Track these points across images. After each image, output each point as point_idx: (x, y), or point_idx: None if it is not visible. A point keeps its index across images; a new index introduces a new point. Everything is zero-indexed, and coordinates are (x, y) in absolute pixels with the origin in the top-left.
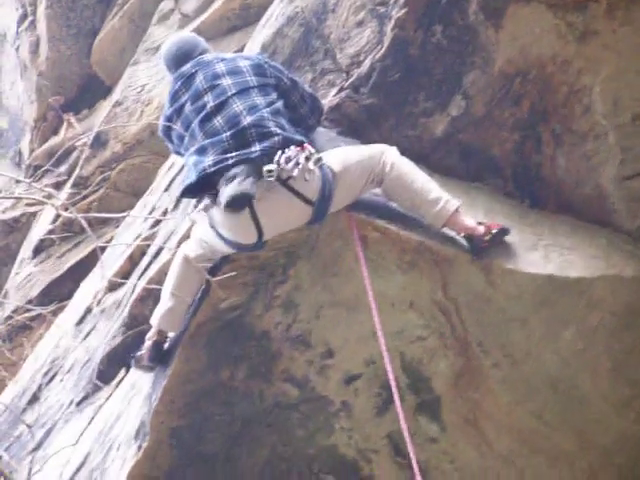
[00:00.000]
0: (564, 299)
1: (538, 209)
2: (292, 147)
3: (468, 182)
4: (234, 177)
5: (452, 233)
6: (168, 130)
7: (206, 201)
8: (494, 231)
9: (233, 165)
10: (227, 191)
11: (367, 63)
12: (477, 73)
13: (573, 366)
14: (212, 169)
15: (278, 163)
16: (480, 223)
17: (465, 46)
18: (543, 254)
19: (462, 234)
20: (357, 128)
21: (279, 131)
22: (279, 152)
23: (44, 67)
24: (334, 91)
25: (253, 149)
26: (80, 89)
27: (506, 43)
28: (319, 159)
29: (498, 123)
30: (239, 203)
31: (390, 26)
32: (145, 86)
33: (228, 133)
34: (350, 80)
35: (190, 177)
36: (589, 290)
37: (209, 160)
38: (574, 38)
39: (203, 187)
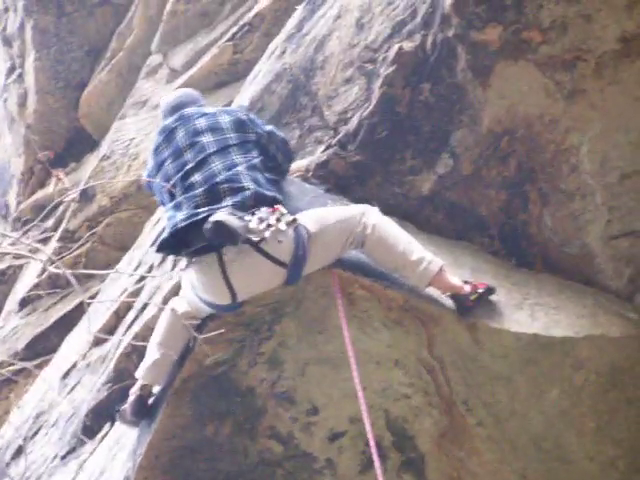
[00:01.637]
0: (549, 358)
1: (525, 268)
2: (263, 208)
3: (454, 240)
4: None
5: (437, 292)
6: (151, 185)
7: (184, 261)
8: (480, 290)
9: (203, 220)
10: (210, 218)
11: (355, 120)
12: (465, 131)
13: (558, 425)
14: (183, 224)
15: (247, 222)
16: (466, 282)
17: (453, 104)
18: (529, 313)
19: (448, 293)
20: (344, 185)
21: (252, 186)
22: (250, 214)
23: (32, 120)
24: (321, 148)
25: (224, 204)
26: (68, 142)
27: (494, 101)
28: (294, 220)
29: (485, 182)
30: (220, 232)
31: (378, 84)
32: (132, 140)
33: (202, 189)
34: (338, 137)
35: (164, 232)
36: (575, 350)
37: (181, 215)
38: (562, 97)
39: (179, 243)
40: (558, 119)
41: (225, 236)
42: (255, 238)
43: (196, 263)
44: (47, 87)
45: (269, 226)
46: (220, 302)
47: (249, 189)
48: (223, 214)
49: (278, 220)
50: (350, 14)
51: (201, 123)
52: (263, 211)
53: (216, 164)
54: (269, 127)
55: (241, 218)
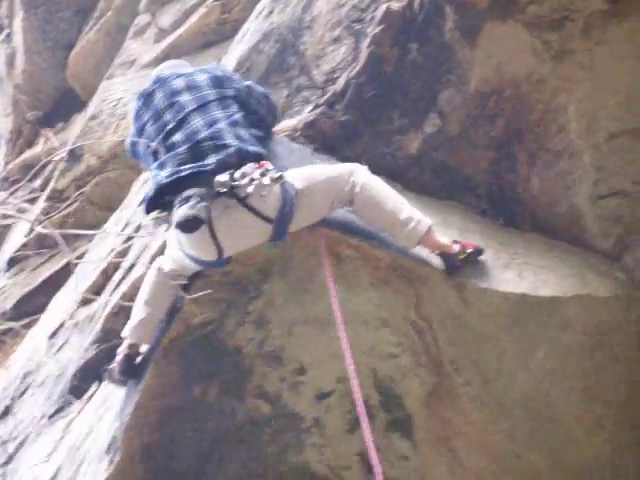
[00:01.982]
0: (537, 318)
1: (512, 228)
2: (249, 164)
3: (443, 200)
4: (188, 199)
5: (426, 251)
6: (134, 150)
7: (169, 218)
8: (469, 250)
9: (187, 177)
10: (179, 213)
11: (342, 80)
12: (452, 91)
13: (545, 385)
14: (167, 180)
15: (232, 178)
16: (455, 241)
17: (441, 64)
18: (517, 273)
19: (436, 252)
20: (332, 145)
21: (235, 142)
22: (232, 170)
23: (20, 80)
24: (309, 108)
25: (208, 162)
26: (56, 102)
27: (481, 61)
28: (280, 177)
29: (473, 142)
30: (190, 226)
31: (366, 43)
32: (120, 100)
33: (185, 147)
34: (325, 97)
35: (149, 191)
36: (562, 309)
37: (165, 172)
38: (549, 57)
39: (164, 201)
40: (546, 79)
41: (195, 226)
42: (241, 193)
43: None
44: (35, 47)
45: (252, 180)
46: (206, 258)
47: (232, 146)
48: (184, 210)
49: (262, 175)
50: None
51: (178, 83)
52: (249, 166)
53: (197, 120)
54: (247, 82)
55: (204, 201)
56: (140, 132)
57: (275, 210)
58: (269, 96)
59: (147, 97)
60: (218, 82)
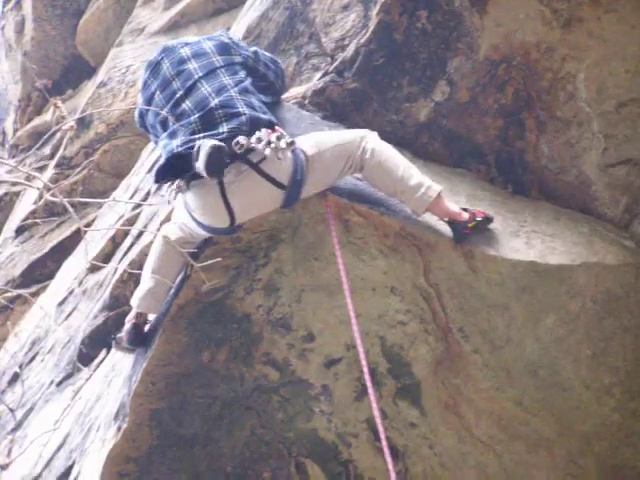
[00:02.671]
0: (545, 286)
1: (521, 196)
2: (263, 130)
3: (451, 168)
4: (198, 147)
5: (435, 219)
6: (143, 120)
7: (179, 183)
8: (479, 219)
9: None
10: (202, 154)
11: (352, 47)
12: (462, 59)
13: (553, 353)
14: (180, 149)
15: (248, 141)
16: (464, 209)
17: (450, 32)
18: (525, 241)
19: (445, 219)
20: (341, 112)
21: (247, 110)
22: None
23: (29, 47)
24: (318, 75)
25: (221, 130)
26: (65, 69)
27: (491, 29)
28: (292, 142)
29: (482, 109)
30: (217, 161)
31: (375, 10)
32: (130, 67)
33: (197, 115)
34: (334, 64)
35: (161, 160)
36: (571, 277)
37: (177, 141)
38: (559, 25)
39: (175, 170)
40: (555, 47)
41: (222, 160)
42: (255, 158)
43: (195, 186)
44: (44, 14)
45: (269, 143)
46: (218, 225)
47: (244, 114)
48: (205, 147)
49: (278, 139)
50: None
51: (185, 51)
52: (263, 132)
53: (205, 87)
54: (253, 48)
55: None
56: (148, 102)
57: (287, 176)
58: (277, 60)
59: (155, 66)
60: (225, 49)
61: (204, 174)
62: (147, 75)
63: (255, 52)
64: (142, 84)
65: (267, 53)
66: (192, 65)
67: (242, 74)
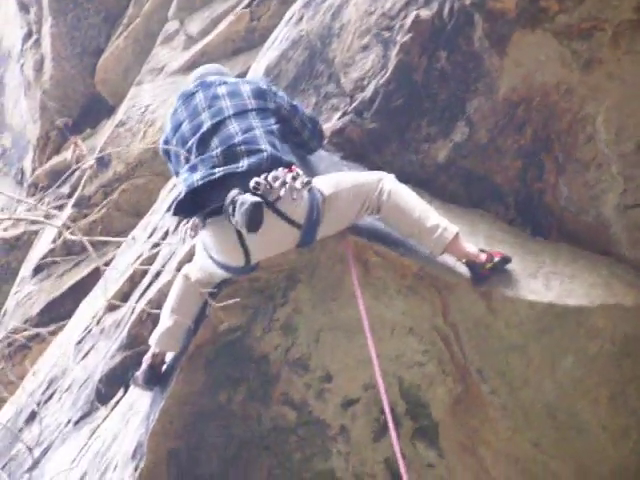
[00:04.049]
0: (564, 327)
1: (540, 237)
2: (280, 169)
3: (470, 208)
4: (234, 201)
5: (453, 259)
6: (167, 149)
7: (195, 222)
8: (496, 259)
9: (218, 180)
10: (242, 211)
11: (371, 88)
12: (481, 100)
13: (572, 395)
14: (200, 182)
15: (266, 180)
16: (482, 250)
17: (469, 72)
18: (544, 282)
19: (463, 260)
20: (360, 153)
21: (269, 148)
22: (266, 173)
23: (48, 85)
24: (337, 115)
25: (240, 164)
26: (84, 108)
27: (510, 70)
28: (308, 182)
29: (501, 150)
30: (258, 219)
31: (395, 51)
32: (149, 106)
33: (219, 150)
34: (354, 104)
35: (180, 194)
36: (589, 319)
37: (198, 175)
38: (578, 66)
39: (194, 205)
40: (574, 88)
41: (261, 212)
42: (271, 197)
43: (211, 224)
44: (63, 53)
45: (284, 183)
46: (234, 264)
47: (266, 151)
48: (244, 203)
49: (294, 179)
50: None
51: (221, 89)
52: (280, 170)
53: (233, 125)
54: (294, 102)
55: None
56: (175, 129)
57: (303, 215)
58: (317, 121)
59: (188, 97)
60: (260, 94)
61: (244, 231)
62: (179, 103)
63: (294, 106)
64: (172, 111)
65: (308, 112)
66: (225, 103)
67: (272, 120)
